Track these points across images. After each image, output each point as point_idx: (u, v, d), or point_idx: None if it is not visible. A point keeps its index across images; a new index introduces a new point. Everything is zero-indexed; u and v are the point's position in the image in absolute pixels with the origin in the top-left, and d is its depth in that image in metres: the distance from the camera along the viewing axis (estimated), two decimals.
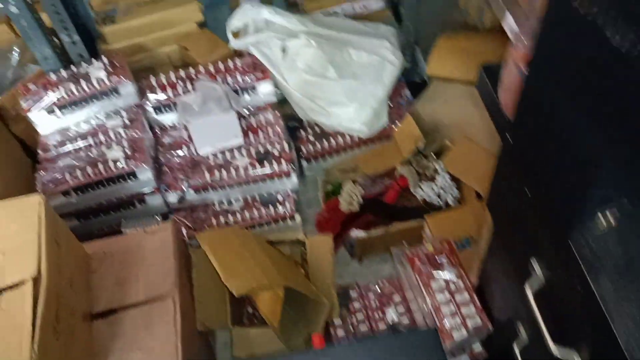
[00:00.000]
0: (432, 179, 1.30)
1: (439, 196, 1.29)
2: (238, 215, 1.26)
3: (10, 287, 0.82)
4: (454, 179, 1.29)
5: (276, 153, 1.25)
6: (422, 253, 1.00)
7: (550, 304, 0.59)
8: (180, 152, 1.27)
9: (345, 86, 1.28)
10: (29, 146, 1.34)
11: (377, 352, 0.56)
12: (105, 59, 1.22)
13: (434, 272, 0.96)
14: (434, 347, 0.55)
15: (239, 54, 1.37)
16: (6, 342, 0.75)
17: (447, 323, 0.94)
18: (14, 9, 1.08)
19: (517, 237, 0.67)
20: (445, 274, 0.96)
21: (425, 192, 1.29)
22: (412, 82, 1.53)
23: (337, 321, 1.11)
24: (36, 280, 0.83)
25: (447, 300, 0.96)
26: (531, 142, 0.56)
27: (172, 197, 1.24)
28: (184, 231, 1.25)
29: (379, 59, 1.31)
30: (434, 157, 1.33)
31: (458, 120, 1.34)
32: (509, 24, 0.91)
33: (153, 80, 1.28)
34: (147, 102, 1.25)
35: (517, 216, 0.65)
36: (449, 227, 1.13)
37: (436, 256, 0.99)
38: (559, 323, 0.57)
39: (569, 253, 0.50)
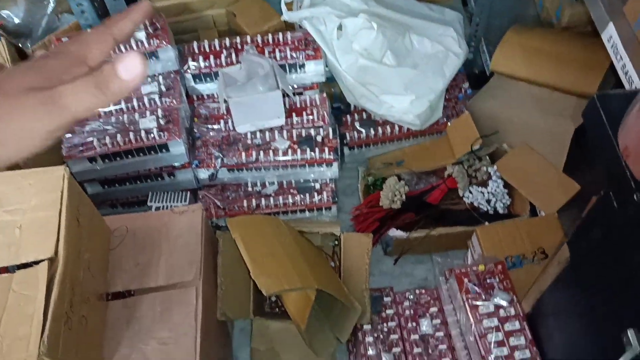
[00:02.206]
0: (484, 184, 1.20)
1: (488, 202, 1.19)
2: (271, 200, 1.17)
3: (24, 266, 0.76)
4: (506, 185, 1.19)
5: (319, 139, 1.15)
6: (472, 271, 0.91)
7: None
8: (216, 126, 1.18)
9: (403, 75, 1.17)
10: None
11: None
12: (146, 20, 1.12)
13: (484, 295, 0.87)
14: None
15: (290, 27, 1.26)
16: (14, 331, 0.69)
17: (493, 352, 0.85)
18: None
19: (609, 298, 0.57)
20: (497, 299, 0.87)
21: (474, 196, 1.19)
22: (471, 73, 1.41)
23: (367, 327, 1.03)
24: (52, 261, 0.76)
25: (494, 327, 0.87)
26: None
27: (204, 174, 1.16)
28: (213, 209, 1.17)
29: (442, 49, 1.19)
30: (489, 160, 1.22)
31: (519, 123, 1.23)
32: (614, 43, 0.79)
33: (195, 46, 1.19)
34: (187, 70, 1.16)
35: (614, 277, 0.55)
36: (499, 242, 1.03)
37: (487, 277, 0.90)
38: None
39: None
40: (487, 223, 1.14)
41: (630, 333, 0.49)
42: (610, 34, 0.82)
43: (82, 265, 0.82)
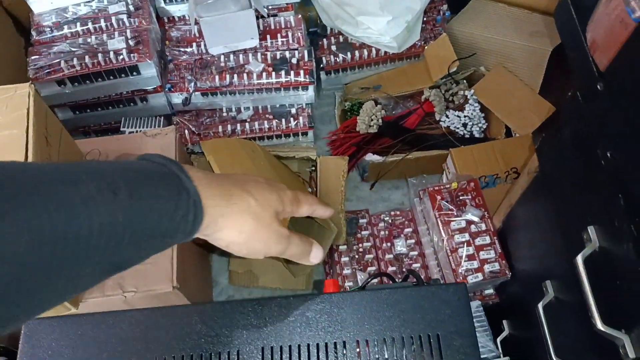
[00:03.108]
0: (460, 108, 1.20)
1: (464, 126, 1.19)
2: (247, 125, 1.16)
3: None
4: (483, 109, 1.19)
5: (294, 61, 1.13)
6: (445, 189, 0.92)
7: (600, 277, 0.51)
8: (188, 49, 1.15)
9: None
10: (21, 23, 1.22)
11: (399, 304, 0.49)
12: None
13: (457, 211, 0.88)
14: (463, 304, 0.48)
15: None
16: None
17: (463, 265, 0.87)
18: None
19: (573, 199, 0.58)
20: (468, 215, 0.88)
21: (450, 120, 1.19)
22: None
23: (343, 247, 1.05)
24: None
25: (465, 241, 0.89)
26: (628, 98, 0.45)
27: (177, 99, 1.14)
28: (187, 135, 1.16)
29: None
30: (466, 84, 1.21)
31: (497, 46, 1.22)
32: None
33: None
34: None
35: (578, 178, 0.56)
36: (474, 163, 1.04)
37: (460, 194, 0.91)
38: (609, 300, 0.50)
39: None
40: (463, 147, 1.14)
41: (590, 230, 0.51)
42: None
43: None
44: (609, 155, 0.47)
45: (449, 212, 0.89)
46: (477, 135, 1.18)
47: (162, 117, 1.14)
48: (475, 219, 0.88)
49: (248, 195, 0.48)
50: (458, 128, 1.19)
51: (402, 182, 1.22)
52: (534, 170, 0.71)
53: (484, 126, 1.19)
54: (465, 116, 1.19)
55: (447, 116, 1.19)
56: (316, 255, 0.57)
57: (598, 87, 0.47)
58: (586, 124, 0.52)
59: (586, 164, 0.53)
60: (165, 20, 1.19)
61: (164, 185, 0.41)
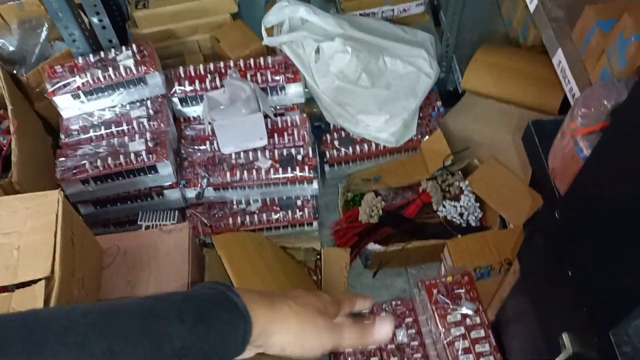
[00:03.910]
0: (456, 198, 1.27)
1: (461, 215, 1.26)
2: (255, 217, 1.24)
3: (23, 285, 0.82)
4: (478, 199, 1.26)
5: (300, 158, 1.22)
6: (440, 283, 0.97)
7: None
8: (202, 147, 1.24)
9: (377, 96, 1.24)
10: (50, 123, 1.33)
11: None
12: (134, 47, 1.19)
13: (452, 305, 0.94)
14: None
15: (271, 50, 1.33)
16: None
17: (460, 358, 0.92)
18: None
19: (549, 305, 0.64)
20: (463, 309, 0.93)
21: (447, 210, 1.26)
22: (444, 91, 1.49)
23: None
24: (48, 280, 0.82)
25: (461, 335, 0.93)
26: (581, 225, 0.53)
27: (191, 193, 1.22)
28: (200, 226, 1.23)
29: (414, 70, 1.26)
30: (461, 175, 1.29)
31: (489, 139, 1.30)
32: (563, 68, 0.86)
33: (181, 71, 1.25)
34: (174, 93, 1.23)
35: (552, 285, 0.62)
36: (469, 254, 1.10)
37: (455, 288, 0.97)
38: None
39: (608, 345, 0.47)
40: (460, 236, 1.20)
41: (565, 336, 0.56)
42: (559, 59, 0.89)
43: (76, 283, 0.88)
44: (569, 273, 0.53)
45: (445, 305, 0.95)
46: (473, 224, 1.25)
47: (177, 210, 1.22)
48: (470, 312, 0.93)
49: (288, 299, 0.54)
50: (455, 217, 1.25)
51: (403, 269, 1.27)
52: (518, 271, 0.77)
53: (480, 215, 1.25)
54: (461, 206, 1.26)
55: (444, 206, 1.26)
56: (380, 330, 0.57)
57: (556, 214, 0.54)
58: (553, 238, 0.58)
59: (555, 273, 0.59)
60: (182, 120, 1.29)
61: (218, 306, 0.49)
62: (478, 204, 1.26)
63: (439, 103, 1.39)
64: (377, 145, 1.33)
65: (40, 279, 0.81)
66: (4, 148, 1.11)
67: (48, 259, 0.83)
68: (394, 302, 1.13)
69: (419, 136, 1.35)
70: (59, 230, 0.85)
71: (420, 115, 1.36)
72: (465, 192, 1.26)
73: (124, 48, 1.19)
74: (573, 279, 0.54)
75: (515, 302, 0.83)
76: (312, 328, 0.53)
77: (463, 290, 0.96)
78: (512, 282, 0.82)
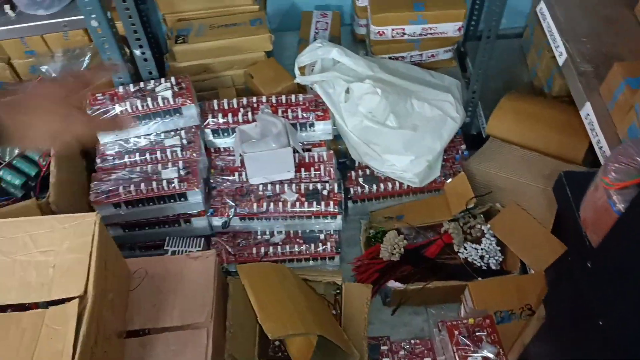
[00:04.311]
0: (478, 241, 1.28)
1: (481, 258, 1.27)
2: (279, 248, 1.26)
3: (56, 303, 0.84)
4: (499, 243, 1.27)
5: (325, 193, 1.24)
6: (462, 324, 0.98)
7: None
8: (231, 178, 1.28)
9: (404, 136, 1.28)
10: (84, 147, 1.37)
11: None
12: (173, 80, 1.24)
13: (473, 347, 0.94)
14: None
15: (302, 88, 1.38)
16: None
17: None
18: (94, 23, 1.11)
19: (575, 353, 0.64)
20: (484, 351, 0.94)
21: (468, 252, 1.27)
22: (469, 135, 1.52)
23: None
24: (81, 299, 0.84)
25: None
26: (616, 277, 0.54)
27: (217, 222, 1.25)
28: (224, 254, 1.26)
29: (441, 113, 1.30)
30: (483, 218, 1.31)
31: (511, 184, 1.32)
32: (591, 121, 0.88)
33: (215, 104, 1.30)
34: (207, 125, 1.27)
35: (580, 334, 0.63)
36: (490, 297, 1.11)
37: (476, 330, 0.97)
38: None
39: None
40: (480, 278, 1.21)
41: None
42: (587, 112, 0.92)
43: (106, 304, 0.90)
44: (600, 323, 0.54)
45: (466, 347, 0.95)
46: (493, 268, 1.25)
47: (203, 238, 1.24)
48: (491, 355, 0.94)
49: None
50: (475, 260, 1.26)
51: (422, 308, 1.28)
52: (542, 318, 0.78)
53: (500, 259, 1.26)
54: (482, 249, 1.27)
55: (465, 248, 1.27)
56: None
57: (588, 264, 0.56)
58: (584, 287, 0.59)
59: (585, 322, 0.60)
60: (212, 150, 1.33)
61: None
62: (499, 248, 1.27)
63: (463, 146, 1.42)
64: (400, 184, 1.35)
65: (73, 298, 0.84)
66: (43, 169, 1.16)
67: (82, 278, 0.85)
68: (412, 341, 1.14)
69: (443, 177, 1.37)
70: (94, 251, 0.88)
71: (445, 157, 1.39)
72: (487, 235, 1.27)
73: (162, 80, 1.24)
74: (604, 329, 0.55)
75: (538, 348, 0.83)
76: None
77: (484, 333, 0.97)
78: (535, 327, 0.82)
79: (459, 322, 0.98)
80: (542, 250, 1.20)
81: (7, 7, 1.12)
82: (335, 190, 1.25)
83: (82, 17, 1.10)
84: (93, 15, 1.09)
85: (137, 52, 1.20)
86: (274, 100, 1.31)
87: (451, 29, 1.42)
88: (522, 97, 1.45)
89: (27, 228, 0.91)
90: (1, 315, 0.83)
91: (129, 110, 1.20)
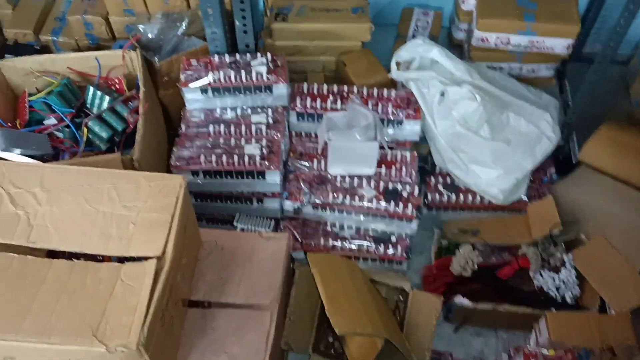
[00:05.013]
0: (556, 270, 1.21)
1: (557, 289, 1.19)
2: (347, 243, 1.22)
3: (133, 260, 0.83)
4: (579, 276, 1.19)
5: (405, 194, 1.20)
6: (540, 354, 0.92)
7: None
8: (308, 164, 1.25)
9: (495, 149, 1.22)
10: (167, 112, 1.37)
11: None
12: (269, 56, 1.22)
13: None
14: None
15: (393, 84, 1.34)
16: (118, 318, 0.75)
17: None
18: None
19: None
20: None
21: (544, 280, 1.20)
22: (558, 158, 1.44)
23: None
24: (159, 260, 0.82)
25: None
26: None
27: (289, 206, 1.22)
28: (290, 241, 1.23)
29: (537, 131, 1.23)
30: (564, 247, 1.23)
31: (600, 216, 1.24)
32: None
33: (305, 87, 1.27)
34: (294, 107, 1.24)
35: None
36: (568, 331, 1.04)
37: None
38: None
39: None
40: (553, 310, 1.14)
41: None
42: None
43: (180, 269, 0.88)
44: None
45: None
46: (568, 302, 1.18)
47: (272, 220, 1.22)
48: None
49: None
50: (551, 289, 1.19)
51: (484, 330, 1.22)
52: None
53: (578, 294, 1.18)
54: (560, 279, 1.19)
55: (541, 275, 1.20)
56: None
57: None
58: None
59: None
60: (294, 134, 1.30)
61: None
62: (578, 282, 1.19)
63: (552, 169, 1.35)
64: (481, 198, 1.29)
65: (151, 258, 0.82)
66: (130, 125, 1.15)
67: (162, 239, 0.84)
68: None
69: (526, 198, 1.30)
70: (177, 214, 0.87)
71: (531, 178, 1.32)
72: (567, 265, 1.20)
73: (258, 54, 1.22)
74: None
75: None
76: None
77: None
78: None
79: (537, 351, 0.92)
80: (627, 291, 1.12)
81: None
82: (416, 193, 1.20)
83: None
84: None
85: (239, 23, 1.18)
86: (364, 92, 1.27)
87: (559, 45, 1.35)
88: (622, 127, 1.36)
89: (113, 181, 0.90)
90: (80, 263, 0.82)
91: (222, 80, 1.18)
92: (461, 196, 1.29)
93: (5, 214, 0.85)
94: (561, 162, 1.44)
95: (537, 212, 1.27)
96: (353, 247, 1.22)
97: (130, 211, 0.87)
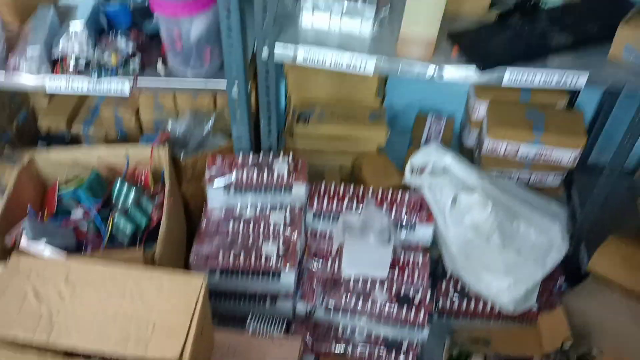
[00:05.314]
0: None
1: None
2: (358, 348, 1.22)
3: None
4: None
5: (416, 300, 1.21)
6: None
7: None
8: (323, 264, 1.26)
9: (506, 258, 1.24)
10: (188, 206, 1.41)
11: None
12: (290, 157, 1.27)
13: None
14: None
15: (407, 187, 1.38)
16: None
17: None
18: (234, 94, 1.17)
19: None
20: None
21: None
22: (566, 267, 1.45)
23: None
24: None
25: None
26: None
27: (302, 307, 1.23)
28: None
29: (546, 241, 1.26)
30: None
31: (612, 330, 1.24)
32: None
33: (322, 186, 1.31)
34: (312, 206, 1.28)
35: None
36: None
37: None
38: None
39: None
40: None
41: None
42: None
43: None
44: None
45: None
46: None
47: (285, 320, 1.22)
48: None
49: None
50: None
51: None
52: None
53: None
54: None
55: None
56: None
57: None
58: None
59: None
60: (309, 232, 1.33)
61: None
62: None
63: (562, 278, 1.36)
64: (492, 306, 1.30)
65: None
66: (154, 221, 1.18)
67: (180, 341, 0.85)
68: None
69: (536, 308, 1.30)
70: (196, 315, 0.88)
71: (541, 287, 1.33)
72: None
73: (281, 155, 1.27)
74: None
75: None
76: None
77: None
78: None
79: None
80: None
81: (159, 62, 1.20)
82: (428, 298, 1.21)
83: (224, 81, 1.16)
84: (236, 81, 1.15)
85: (264, 124, 1.25)
86: (379, 194, 1.31)
87: (566, 156, 1.41)
88: (631, 240, 1.39)
89: (136, 280, 0.92)
90: None
91: (244, 179, 1.23)
92: (472, 304, 1.30)
93: (29, 310, 0.87)
94: (572, 270, 1.45)
95: (548, 323, 1.26)
96: (364, 353, 1.22)
97: (151, 312, 0.89)
